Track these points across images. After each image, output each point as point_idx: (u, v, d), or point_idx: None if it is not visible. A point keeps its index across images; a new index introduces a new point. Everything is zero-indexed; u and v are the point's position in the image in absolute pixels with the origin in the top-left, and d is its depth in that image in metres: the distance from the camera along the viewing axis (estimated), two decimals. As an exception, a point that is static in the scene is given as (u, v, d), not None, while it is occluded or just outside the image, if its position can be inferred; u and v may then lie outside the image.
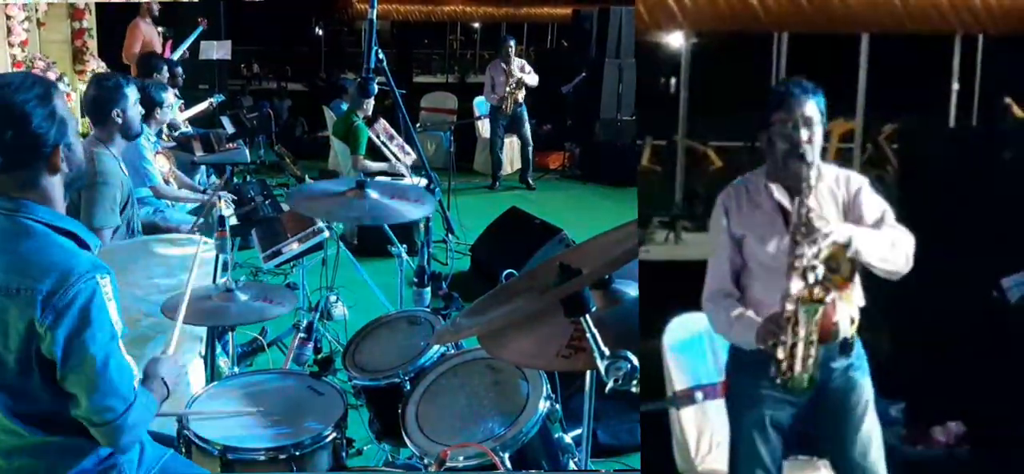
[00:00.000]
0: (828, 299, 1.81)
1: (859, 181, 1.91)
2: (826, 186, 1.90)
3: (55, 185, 1.71)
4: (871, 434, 1.96)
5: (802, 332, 1.82)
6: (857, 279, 1.86)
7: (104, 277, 1.67)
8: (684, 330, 2.20)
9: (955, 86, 2.19)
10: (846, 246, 1.80)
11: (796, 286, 1.81)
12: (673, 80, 2.17)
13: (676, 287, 2.13)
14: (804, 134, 1.83)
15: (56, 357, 1.62)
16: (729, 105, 2.23)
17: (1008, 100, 2.12)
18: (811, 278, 1.80)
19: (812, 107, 1.83)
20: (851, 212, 1.90)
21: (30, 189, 1.68)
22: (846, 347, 1.92)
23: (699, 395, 2.21)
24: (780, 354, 1.85)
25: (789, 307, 1.82)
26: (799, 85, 1.84)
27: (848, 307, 1.87)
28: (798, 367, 1.85)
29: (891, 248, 1.84)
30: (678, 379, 2.23)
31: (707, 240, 2.07)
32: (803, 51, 2.13)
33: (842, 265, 1.80)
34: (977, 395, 2.09)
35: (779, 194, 1.89)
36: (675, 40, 2.08)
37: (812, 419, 1.96)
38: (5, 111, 1.62)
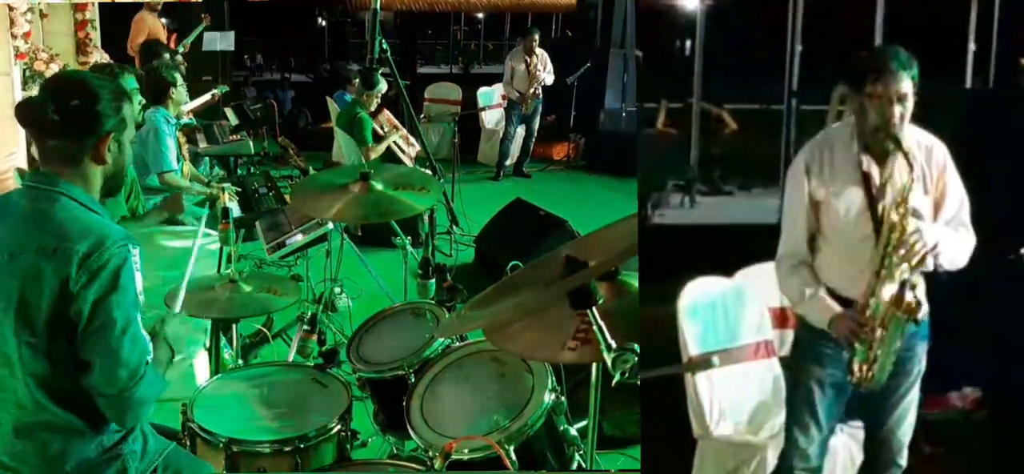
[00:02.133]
0: (920, 315, 1.84)
1: (942, 157, 1.90)
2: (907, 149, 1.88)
3: (96, 174, 1.79)
4: (910, 408, 2.00)
5: (886, 339, 1.86)
6: (930, 261, 1.89)
7: (135, 248, 1.73)
8: (699, 294, 2.18)
9: (972, 47, 2.17)
10: (932, 248, 1.83)
11: (887, 291, 1.83)
12: (688, 42, 2.14)
13: (691, 251, 2.11)
14: (897, 111, 1.82)
15: (82, 316, 1.66)
16: (744, 67, 2.21)
17: None
18: (909, 296, 1.82)
19: (907, 83, 1.82)
20: (930, 190, 1.91)
21: (72, 169, 1.75)
22: (914, 319, 1.92)
23: (716, 360, 2.20)
24: (857, 361, 1.89)
25: (871, 305, 1.84)
26: (896, 57, 1.82)
27: (920, 284, 1.90)
28: (876, 372, 1.88)
29: (961, 254, 1.88)
30: (693, 344, 2.21)
31: (723, 204, 2.07)
32: (819, 12, 2.10)
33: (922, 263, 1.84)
34: (994, 360, 2.08)
35: (866, 163, 1.88)
36: (689, 2, 2.05)
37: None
38: (80, 83, 1.77)
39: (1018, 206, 2.02)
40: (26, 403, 1.72)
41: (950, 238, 1.88)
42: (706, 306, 2.19)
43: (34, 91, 5.93)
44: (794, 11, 2.14)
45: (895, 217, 1.83)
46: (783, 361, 2.20)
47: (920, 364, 1.99)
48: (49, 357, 1.70)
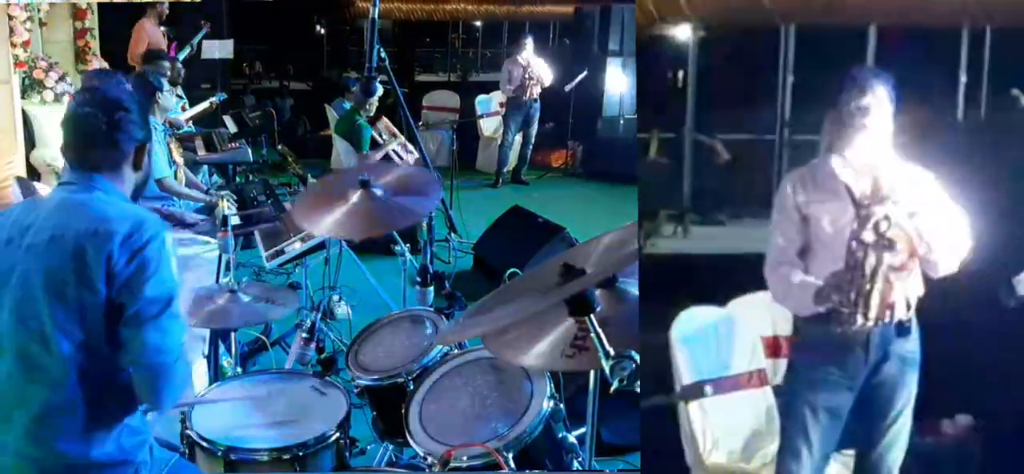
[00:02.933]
0: (899, 248, 1.85)
1: (928, 183, 1.93)
2: (895, 173, 1.92)
3: (131, 179, 1.89)
4: (901, 433, 2.01)
5: (869, 268, 1.86)
6: (917, 267, 1.90)
7: (169, 233, 1.80)
8: (692, 323, 2.20)
9: (963, 78, 2.19)
10: (910, 215, 1.85)
11: (868, 236, 1.85)
12: (681, 73, 2.16)
13: (684, 281, 2.12)
14: (875, 115, 1.87)
15: (126, 296, 1.70)
16: (737, 98, 2.23)
17: (1017, 92, 2.12)
18: (884, 226, 1.84)
19: (882, 91, 1.88)
20: (920, 204, 1.93)
21: (110, 173, 1.83)
22: (903, 330, 1.95)
23: (708, 389, 2.21)
24: (844, 303, 1.89)
25: (853, 249, 1.87)
26: (870, 70, 1.90)
27: (904, 287, 1.91)
28: (859, 319, 1.88)
29: (949, 234, 1.89)
30: (686, 373, 2.23)
31: (716, 233, 2.08)
32: (810, 43, 2.13)
33: (903, 237, 1.86)
34: (986, 389, 2.09)
35: (844, 173, 1.92)
36: (681, 33, 2.08)
37: (859, 406, 1.99)
38: (123, 93, 1.85)
39: (1010, 237, 2.04)
40: (60, 382, 1.73)
41: (933, 214, 1.89)
42: (699, 335, 2.21)
43: (33, 100, 5.94)
44: (786, 42, 2.17)
45: (867, 182, 1.87)
46: (776, 389, 2.21)
47: (910, 389, 1.99)
48: (87, 338, 1.73)
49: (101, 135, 1.81)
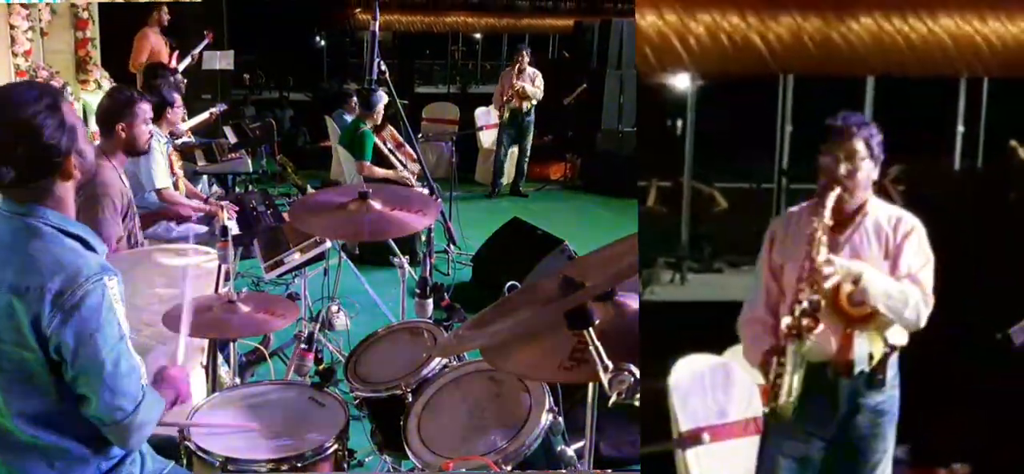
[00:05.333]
0: (813, 335, 1.85)
1: (910, 226, 1.91)
2: (873, 223, 1.90)
3: (68, 190, 1.72)
4: None
5: (788, 364, 1.87)
6: (884, 321, 1.88)
7: (112, 278, 1.68)
8: (689, 371, 2.21)
9: (960, 129, 2.20)
10: (855, 281, 1.84)
11: (785, 321, 1.86)
12: (679, 121, 2.18)
13: (681, 328, 2.13)
14: (844, 168, 1.86)
15: (65, 358, 1.63)
16: (735, 147, 2.25)
17: (1013, 143, 2.13)
18: (797, 310, 1.85)
19: (860, 143, 1.85)
20: (892, 255, 1.92)
21: (43, 195, 1.69)
22: (874, 383, 1.93)
23: (706, 436, 2.21)
24: (769, 381, 1.91)
25: (783, 341, 1.87)
26: (851, 119, 1.87)
27: (868, 343, 1.90)
28: (783, 397, 1.89)
29: (900, 297, 1.87)
30: (684, 420, 2.24)
31: (713, 281, 2.09)
32: (808, 93, 2.14)
33: (853, 299, 1.85)
34: (982, 438, 2.09)
35: (818, 224, 1.89)
36: (680, 82, 2.09)
37: (833, 456, 1.98)
38: (17, 126, 1.61)
39: (1005, 285, 2.04)
40: (14, 436, 1.69)
41: (882, 281, 1.87)
42: (696, 382, 2.21)
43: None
44: (784, 91, 2.18)
45: (816, 254, 1.86)
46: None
47: (887, 441, 1.97)
48: (35, 392, 1.66)
49: (11, 180, 1.62)
